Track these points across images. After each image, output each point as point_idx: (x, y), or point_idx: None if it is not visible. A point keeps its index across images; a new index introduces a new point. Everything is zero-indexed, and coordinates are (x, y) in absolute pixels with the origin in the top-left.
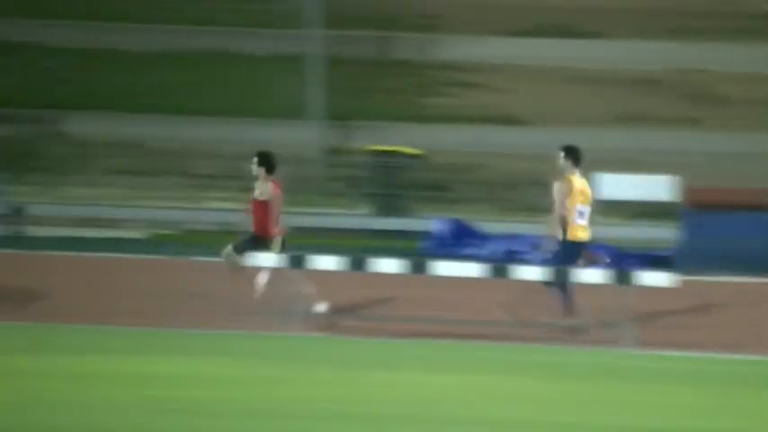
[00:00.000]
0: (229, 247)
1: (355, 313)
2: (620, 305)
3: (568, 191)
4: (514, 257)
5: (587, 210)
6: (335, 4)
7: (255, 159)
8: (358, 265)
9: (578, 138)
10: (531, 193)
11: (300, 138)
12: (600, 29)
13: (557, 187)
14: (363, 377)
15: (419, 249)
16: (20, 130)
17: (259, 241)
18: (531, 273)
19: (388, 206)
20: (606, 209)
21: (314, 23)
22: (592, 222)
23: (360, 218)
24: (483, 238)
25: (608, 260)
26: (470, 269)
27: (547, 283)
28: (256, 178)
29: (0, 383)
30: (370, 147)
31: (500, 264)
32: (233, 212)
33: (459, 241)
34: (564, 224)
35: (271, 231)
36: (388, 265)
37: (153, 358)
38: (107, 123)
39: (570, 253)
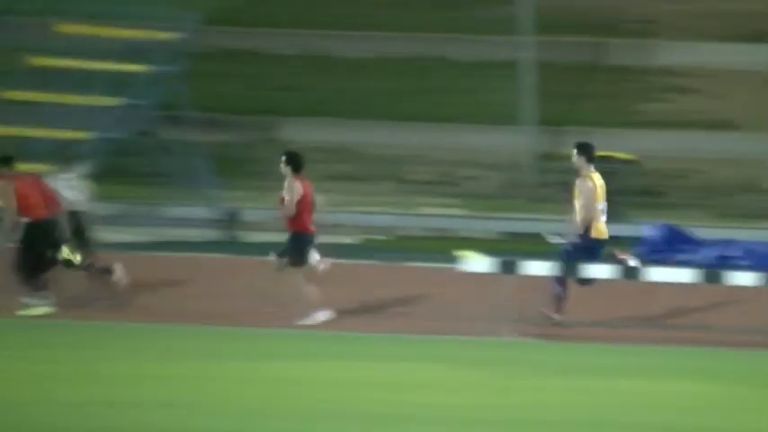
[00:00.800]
0: (274, 256)
1: (569, 318)
2: None
3: (593, 190)
4: (727, 263)
5: (605, 207)
6: (548, 10)
7: (283, 158)
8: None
9: None
10: (745, 198)
11: (512, 143)
12: None
13: (580, 186)
14: (588, 384)
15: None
16: (236, 137)
17: (298, 238)
18: (744, 279)
19: None
20: None
21: (526, 29)
22: None
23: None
24: (696, 243)
25: (633, 261)
26: (683, 275)
27: (557, 279)
28: (284, 177)
29: (205, 387)
30: None
31: (713, 269)
32: (446, 218)
33: (671, 247)
34: (588, 222)
35: (307, 227)
36: (600, 271)
37: (370, 363)
38: (322, 129)
39: (594, 250)
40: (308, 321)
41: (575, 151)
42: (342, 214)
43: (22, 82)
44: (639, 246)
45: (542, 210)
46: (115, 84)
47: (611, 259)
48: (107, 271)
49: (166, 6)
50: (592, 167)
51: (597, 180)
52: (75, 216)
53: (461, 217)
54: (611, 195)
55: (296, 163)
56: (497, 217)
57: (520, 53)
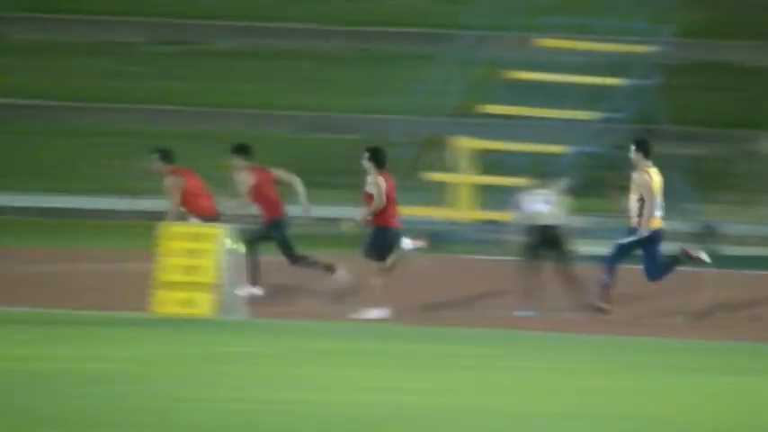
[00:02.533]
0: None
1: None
2: None
3: (649, 183)
4: None
5: (661, 201)
6: None
7: (367, 155)
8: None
9: None
10: None
11: None
12: None
13: (636, 179)
14: None
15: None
16: (713, 150)
17: (381, 233)
18: None
19: None
20: None
21: None
22: None
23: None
24: None
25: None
26: None
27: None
28: (366, 173)
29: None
30: None
31: None
32: None
33: None
34: (640, 215)
35: (390, 222)
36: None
37: None
38: None
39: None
40: (361, 316)
41: (633, 147)
42: None
43: (500, 96)
44: None
45: None
46: (591, 97)
47: (683, 256)
48: (329, 268)
49: (642, 19)
50: (649, 162)
51: (654, 174)
52: (550, 230)
53: None
54: None
55: (379, 159)
56: None
57: None
